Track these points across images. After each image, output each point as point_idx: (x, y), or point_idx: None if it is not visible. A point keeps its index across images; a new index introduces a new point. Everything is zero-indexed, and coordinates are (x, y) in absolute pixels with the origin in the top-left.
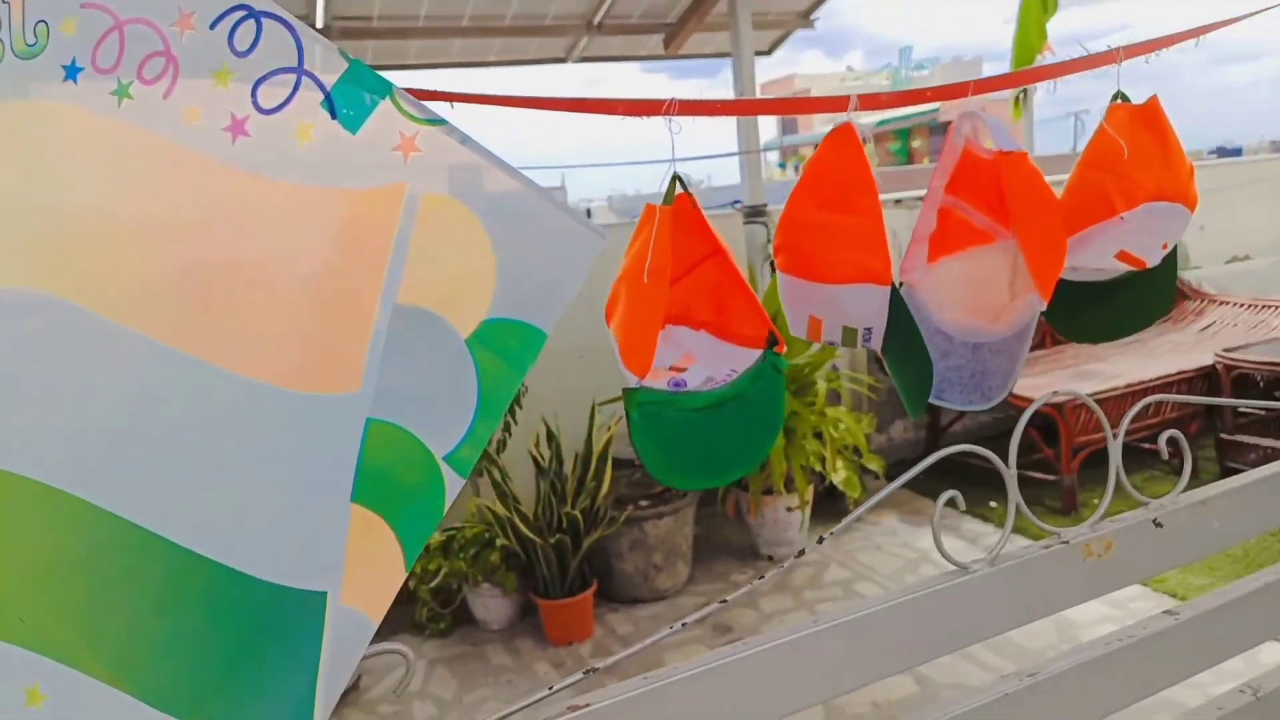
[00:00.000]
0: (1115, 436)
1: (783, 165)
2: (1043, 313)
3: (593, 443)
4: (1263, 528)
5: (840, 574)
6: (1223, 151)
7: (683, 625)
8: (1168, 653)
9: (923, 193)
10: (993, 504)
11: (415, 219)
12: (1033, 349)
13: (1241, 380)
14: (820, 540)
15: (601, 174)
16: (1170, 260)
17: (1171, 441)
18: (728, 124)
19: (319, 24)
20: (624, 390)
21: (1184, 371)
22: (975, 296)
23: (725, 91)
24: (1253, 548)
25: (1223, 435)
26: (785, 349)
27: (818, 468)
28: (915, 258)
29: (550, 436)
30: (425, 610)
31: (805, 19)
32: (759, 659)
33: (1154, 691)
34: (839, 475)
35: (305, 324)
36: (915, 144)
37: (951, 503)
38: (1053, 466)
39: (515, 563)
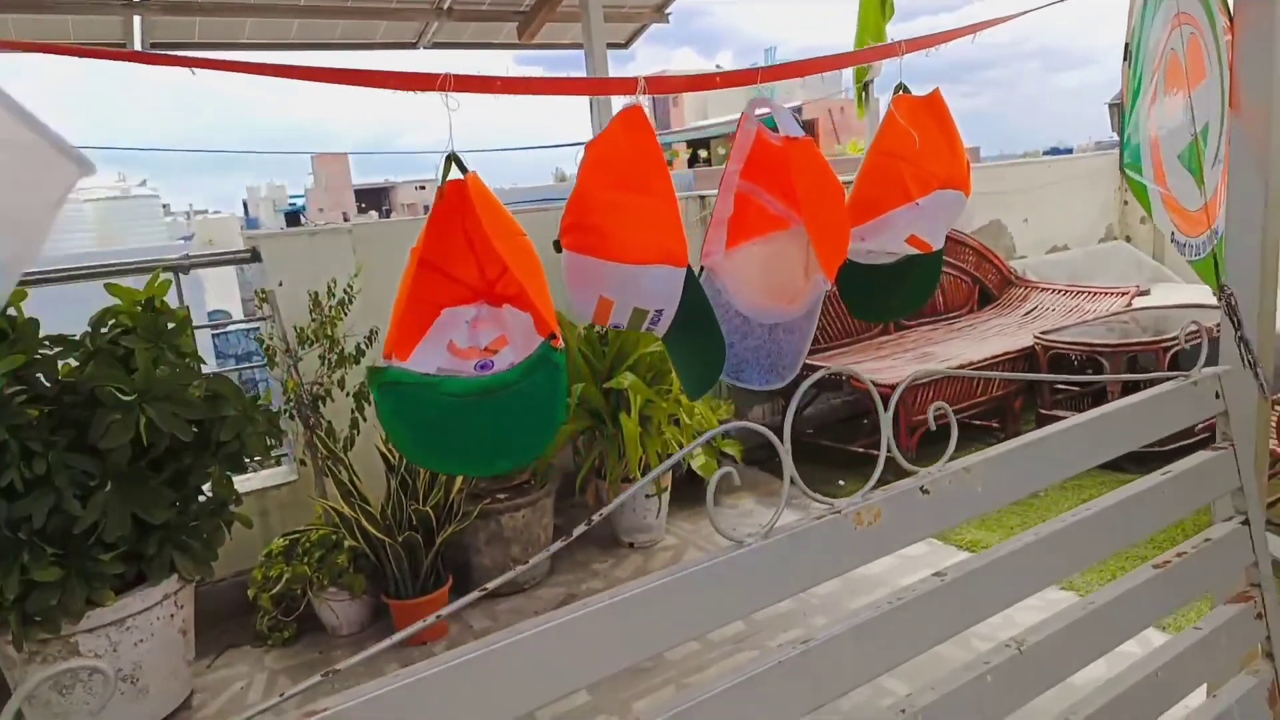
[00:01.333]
0: (886, 409)
1: None
2: (841, 295)
3: None
4: (1022, 492)
5: (698, 556)
6: (1055, 151)
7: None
8: (937, 613)
9: None
10: (841, 482)
11: None
12: (876, 335)
13: (1057, 359)
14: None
15: (503, 164)
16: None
17: (941, 414)
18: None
19: None
20: (368, 370)
21: (1008, 352)
22: (773, 279)
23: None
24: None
25: (1041, 410)
26: (560, 343)
27: (674, 453)
28: (714, 242)
29: None
30: (266, 619)
31: (659, 13)
32: (518, 648)
33: (924, 649)
34: (697, 461)
35: None
36: None
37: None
38: (892, 445)
39: (364, 564)
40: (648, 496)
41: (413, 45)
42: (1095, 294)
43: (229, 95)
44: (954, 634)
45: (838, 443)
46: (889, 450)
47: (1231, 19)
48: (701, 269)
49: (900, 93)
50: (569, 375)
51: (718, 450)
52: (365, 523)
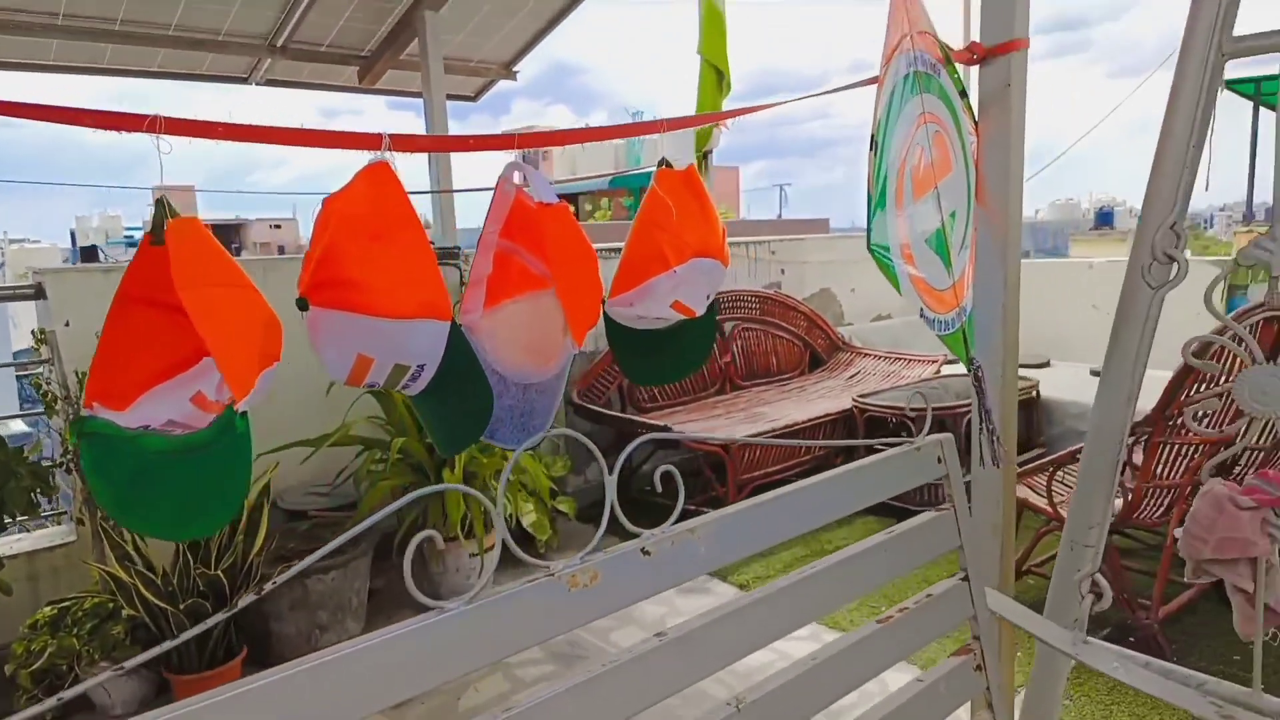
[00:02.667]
0: (611, 472)
1: None
2: (615, 359)
3: None
4: (748, 551)
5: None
6: None
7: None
8: (654, 672)
9: None
10: None
11: None
12: (712, 394)
13: (873, 421)
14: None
15: None
16: (712, 310)
17: (667, 477)
18: (472, 162)
19: None
20: (72, 421)
21: (829, 414)
22: (532, 338)
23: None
24: None
25: None
26: (240, 407)
27: (505, 512)
28: (473, 300)
29: None
30: (24, 699)
31: (507, 69)
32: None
33: (639, 710)
34: (528, 518)
35: None
36: None
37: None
38: (723, 502)
39: (143, 635)
40: (471, 556)
41: (244, 80)
42: (911, 360)
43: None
44: (670, 694)
45: (673, 499)
46: (611, 511)
47: (976, 123)
48: (459, 325)
49: (662, 166)
50: (395, 428)
51: (551, 507)
52: (144, 589)
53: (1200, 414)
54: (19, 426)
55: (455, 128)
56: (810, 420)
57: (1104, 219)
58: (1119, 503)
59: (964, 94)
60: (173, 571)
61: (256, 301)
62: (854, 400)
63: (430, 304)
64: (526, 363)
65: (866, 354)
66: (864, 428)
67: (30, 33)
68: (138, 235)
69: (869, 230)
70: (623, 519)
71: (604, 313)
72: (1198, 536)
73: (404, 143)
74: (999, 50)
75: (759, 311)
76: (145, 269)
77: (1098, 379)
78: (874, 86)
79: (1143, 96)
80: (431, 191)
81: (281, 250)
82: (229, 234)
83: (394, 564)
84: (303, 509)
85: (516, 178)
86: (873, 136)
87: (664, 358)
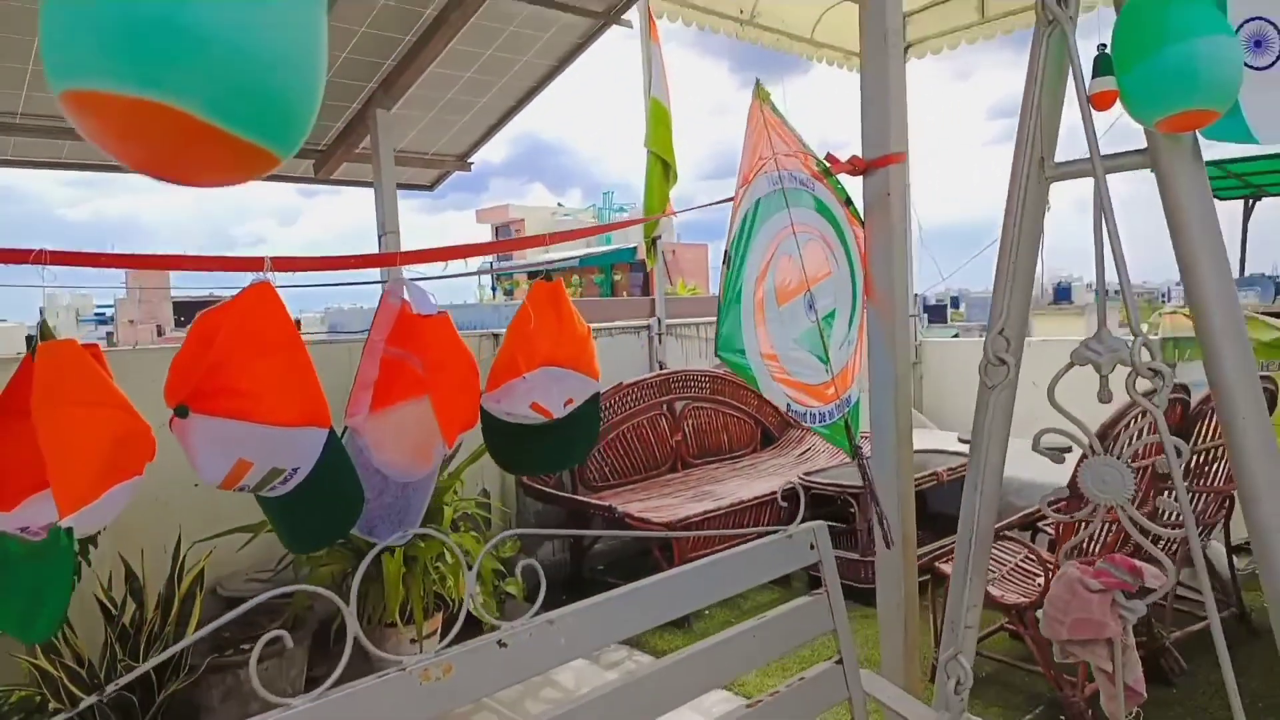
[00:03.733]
0: (470, 569)
1: (494, 289)
2: (490, 448)
3: (176, 582)
4: (613, 639)
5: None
6: None
7: None
8: None
9: (623, 323)
10: None
11: None
12: (664, 473)
13: (817, 498)
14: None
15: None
16: (588, 413)
17: (529, 570)
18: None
19: None
20: None
21: (773, 492)
22: (415, 440)
23: (450, 214)
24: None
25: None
26: (64, 523)
27: (450, 595)
28: (359, 404)
29: (130, 576)
30: None
31: (462, 161)
32: None
33: None
34: (477, 600)
35: None
36: (617, 278)
37: None
38: (475, 601)
39: None
40: (412, 641)
41: None
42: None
43: (26, 189)
44: None
45: (624, 579)
46: (470, 606)
47: (863, 223)
48: (345, 429)
49: (540, 279)
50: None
51: (497, 589)
52: (70, 682)
53: (1052, 500)
54: None
55: (429, 206)
56: (756, 498)
57: (1062, 294)
58: (1040, 580)
59: (848, 201)
60: (100, 664)
61: (115, 419)
62: (799, 478)
63: (313, 412)
64: (411, 462)
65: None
66: (808, 504)
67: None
68: (109, 312)
69: (718, 338)
70: (483, 615)
71: (481, 405)
72: (1055, 619)
73: (285, 264)
74: (878, 164)
75: (710, 390)
76: (24, 384)
77: (967, 445)
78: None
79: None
80: (326, 286)
81: None
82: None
83: (333, 652)
84: (242, 595)
85: (405, 292)
86: (726, 252)
87: (538, 450)
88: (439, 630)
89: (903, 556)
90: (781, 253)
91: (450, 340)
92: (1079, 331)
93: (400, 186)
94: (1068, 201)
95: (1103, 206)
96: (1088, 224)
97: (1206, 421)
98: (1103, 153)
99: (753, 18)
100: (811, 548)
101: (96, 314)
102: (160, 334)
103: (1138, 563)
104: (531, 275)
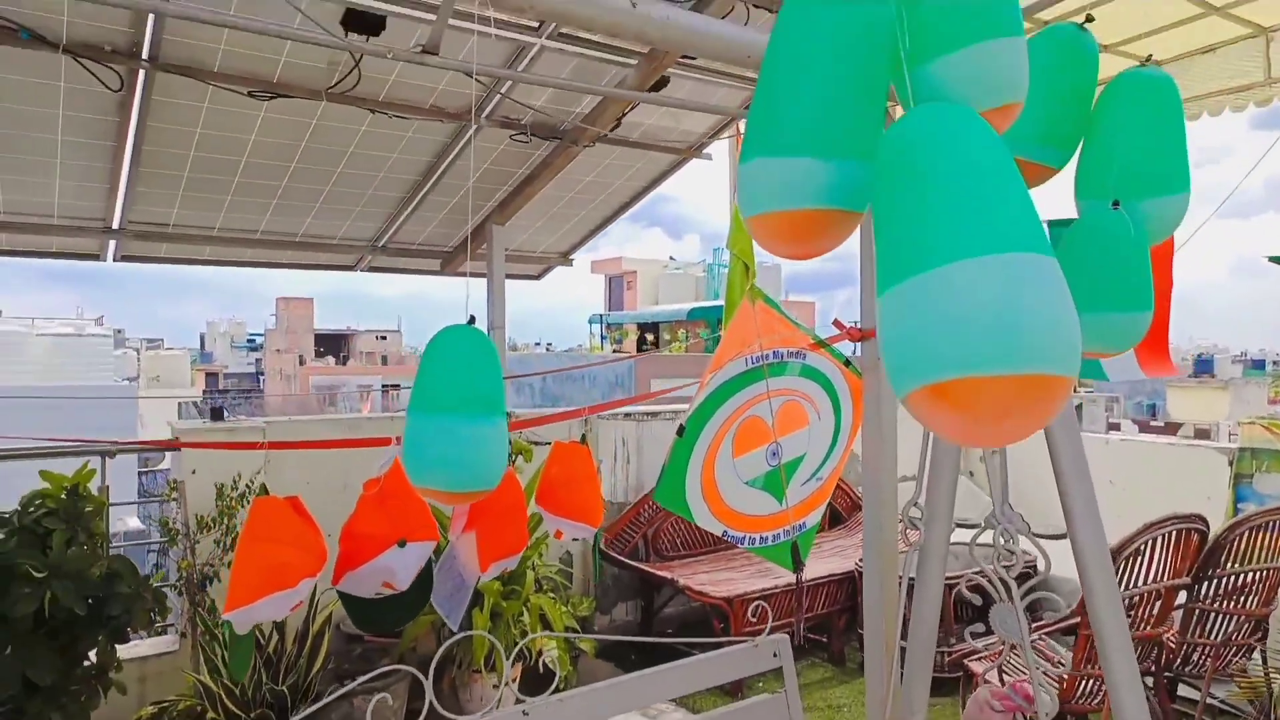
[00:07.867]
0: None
1: (604, 339)
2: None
3: (310, 620)
4: (611, 714)
5: None
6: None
7: None
8: None
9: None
10: None
11: None
12: (717, 551)
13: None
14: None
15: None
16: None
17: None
18: None
19: (115, 224)
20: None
21: (833, 574)
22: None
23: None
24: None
25: (860, 630)
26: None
27: (529, 648)
28: (457, 527)
29: None
30: None
31: (565, 258)
32: None
33: None
34: (550, 654)
35: None
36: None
37: None
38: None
39: None
40: (494, 688)
41: (351, 268)
42: None
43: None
44: None
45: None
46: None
47: (860, 376)
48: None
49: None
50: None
51: (572, 644)
52: (226, 698)
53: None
54: (134, 523)
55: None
56: (814, 579)
57: (1203, 367)
58: (1046, 697)
59: (848, 362)
60: (249, 684)
61: (281, 552)
62: (856, 563)
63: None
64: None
65: None
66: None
67: (188, 241)
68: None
69: (659, 487)
70: (514, 693)
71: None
72: None
73: (280, 444)
74: (870, 335)
75: None
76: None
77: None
78: None
79: (1250, 236)
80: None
81: (385, 360)
82: (339, 343)
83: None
84: (359, 634)
85: None
86: (681, 426)
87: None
88: (517, 678)
89: (883, 664)
90: (751, 414)
91: (511, 489)
92: (1221, 411)
93: (509, 276)
94: (1223, 263)
95: None
96: (1241, 287)
97: (1241, 543)
98: None
99: None
100: (775, 655)
101: (249, 340)
102: (301, 363)
103: (1031, 690)
104: (641, 327)
